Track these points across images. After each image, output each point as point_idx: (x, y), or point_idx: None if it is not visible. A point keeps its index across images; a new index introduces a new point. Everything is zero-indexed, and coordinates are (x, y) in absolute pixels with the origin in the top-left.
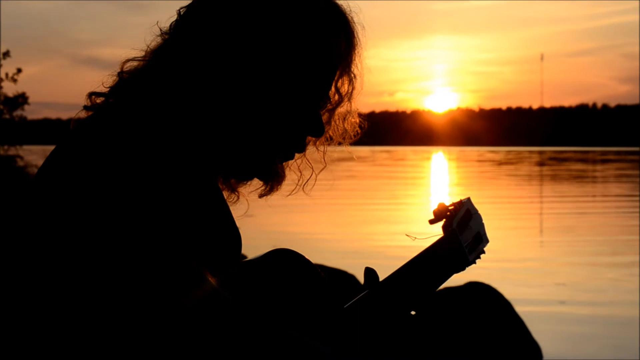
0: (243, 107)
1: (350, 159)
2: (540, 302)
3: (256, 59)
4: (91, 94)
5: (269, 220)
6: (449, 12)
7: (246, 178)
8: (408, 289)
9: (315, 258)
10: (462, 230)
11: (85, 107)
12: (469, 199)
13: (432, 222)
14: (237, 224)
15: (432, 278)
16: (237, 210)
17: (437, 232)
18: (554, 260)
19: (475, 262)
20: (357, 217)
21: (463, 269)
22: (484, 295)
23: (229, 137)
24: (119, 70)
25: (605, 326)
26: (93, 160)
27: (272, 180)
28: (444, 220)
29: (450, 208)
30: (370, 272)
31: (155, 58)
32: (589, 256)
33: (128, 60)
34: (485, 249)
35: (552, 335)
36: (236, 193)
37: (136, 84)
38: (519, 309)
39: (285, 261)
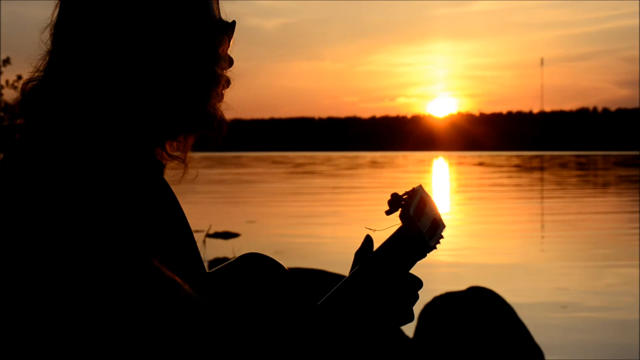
0: (151, 77)
1: (382, 164)
2: (542, 306)
3: (144, 31)
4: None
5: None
6: (449, 17)
7: (189, 131)
8: (375, 281)
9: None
10: (419, 218)
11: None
12: (420, 186)
13: (388, 212)
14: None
15: (396, 267)
16: (239, 216)
17: (395, 222)
18: (554, 265)
19: (435, 248)
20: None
21: (424, 255)
22: (486, 300)
23: (155, 103)
24: (20, 91)
25: (605, 328)
26: (24, 178)
27: (216, 123)
28: (400, 210)
29: (404, 197)
30: (367, 240)
31: (47, 62)
32: (589, 260)
33: (28, 81)
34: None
35: (554, 338)
36: (184, 164)
37: (37, 92)
38: (520, 313)
39: (255, 265)
